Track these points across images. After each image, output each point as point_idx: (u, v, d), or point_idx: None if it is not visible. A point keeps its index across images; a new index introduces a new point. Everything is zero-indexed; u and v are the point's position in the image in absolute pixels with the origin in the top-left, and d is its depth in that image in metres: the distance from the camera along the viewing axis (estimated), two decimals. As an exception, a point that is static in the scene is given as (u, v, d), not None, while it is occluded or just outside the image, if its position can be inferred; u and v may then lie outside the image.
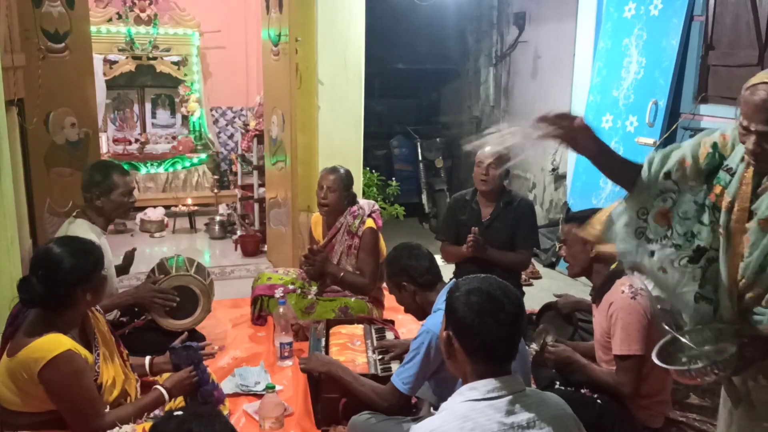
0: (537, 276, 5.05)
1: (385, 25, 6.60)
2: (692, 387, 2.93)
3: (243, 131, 6.26)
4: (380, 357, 2.94)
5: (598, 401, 2.44)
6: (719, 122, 4.06)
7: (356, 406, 2.52)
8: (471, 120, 7.44)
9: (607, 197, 4.83)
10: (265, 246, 5.39)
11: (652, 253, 1.85)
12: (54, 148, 4.06)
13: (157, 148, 6.78)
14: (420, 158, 6.80)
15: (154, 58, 6.68)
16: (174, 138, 6.94)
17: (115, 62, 6.54)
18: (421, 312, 2.57)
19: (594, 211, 2.76)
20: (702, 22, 4.23)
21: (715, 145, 1.81)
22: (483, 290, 1.55)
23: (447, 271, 3.16)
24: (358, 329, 3.23)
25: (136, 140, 6.80)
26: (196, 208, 6.27)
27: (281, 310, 3.36)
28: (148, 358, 2.58)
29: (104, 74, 6.41)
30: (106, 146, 6.45)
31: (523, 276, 4.50)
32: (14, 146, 3.46)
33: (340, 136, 4.60)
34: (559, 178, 5.74)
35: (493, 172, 3.53)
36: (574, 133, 1.80)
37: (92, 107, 4.38)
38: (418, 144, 6.81)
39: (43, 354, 2.00)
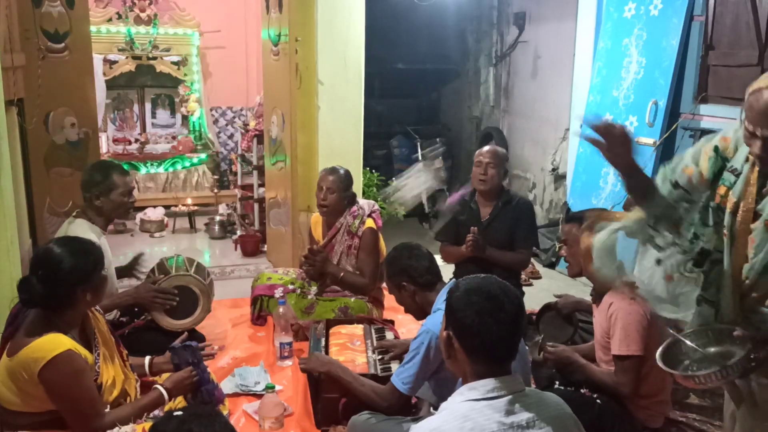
0: (537, 276, 5.05)
1: (385, 25, 6.60)
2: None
3: (243, 131, 6.25)
4: (380, 357, 2.94)
5: (598, 401, 2.44)
6: (719, 122, 4.06)
7: (356, 406, 2.52)
8: (471, 120, 7.45)
9: (607, 197, 4.84)
10: (265, 246, 5.39)
11: (659, 261, 1.84)
12: (54, 148, 4.06)
13: (157, 148, 6.78)
14: (420, 158, 6.80)
15: (154, 58, 6.68)
16: (174, 138, 6.94)
17: (115, 62, 6.54)
18: (420, 312, 2.58)
19: (594, 211, 2.77)
20: (702, 22, 4.24)
21: (716, 149, 1.80)
22: (483, 290, 1.55)
23: (447, 271, 3.16)
24: (358, 329, 3.23)
25: (136, 140, 6.80)
26: (196, 208, 6.27)
27: (281, 310, 3.35)
28: (147, 358, 2.58)
29: (104, 74, 6.41)
30: (106, 146, 6.45)
31: (523, 276, 4.50)
32: (14, 146, 3.46)
33: (340, 136, 4.59)
34: (559, 178, 5.74)
35: (491, 172, 3.55)
36: (619, 143, 1.77)
37: (92, 107, 4.38)
38: (418, 144, 6.81)
39: (43, 354, 2.00)
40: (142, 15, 6.53)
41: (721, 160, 1.79)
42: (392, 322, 3.41)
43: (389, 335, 3.22)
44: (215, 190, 6.55)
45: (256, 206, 5.70)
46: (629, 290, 2.00)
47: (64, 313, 2.12)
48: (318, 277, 3.59)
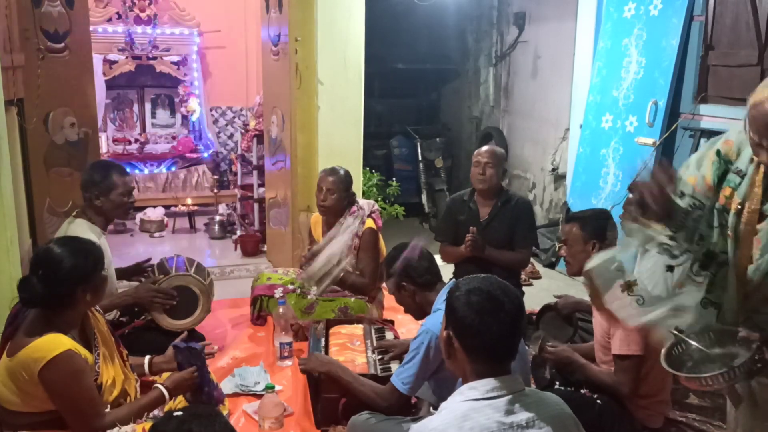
0: (537, 276, 5.05)
1: (385, 25, 6.60)
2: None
3: (243, 131, 6.26)
4: (380, 357, 2.94)
5: (598, 401, 2.44)
6: (719, 122, 4.06)
7: (356, 406, 2.52)
8: (471, 120, 7.45)
9: (606, 197, 4.84)
10: (265, 246, 5.39)
11: (670, 268, 1.83)
12: (53, 148, 4.06)
13: (156, 148, 6.78)
14: (420, 158, 6.81)
15: (154, 58, 6.67)
16: (174, 138, 6.94)
17: (114, 62, 6.53)
18: (420, 312, 2.58)
19: (593, 211, 2.77)
20: (702, 22, 4.23)
21: (718, 153, 1.80)
22: (483, 290, 1.55)
23: (446, 271, 3.16)
24: (358, 329, 3.23)
25: (136, 140, 6.80)
26: (195, 208, 6.27)
27: (281, 310, 3.36)
28: (147, 358, 2.57)
29: (104, 74, 6.41)
30: (105, 146, 6.45)
31: (523, 276, 4.50)
32: (14, 146, 3.46)
33: (340, 136, 4.59)
34: (559, 178, 5.74)
35: (489, 172, 3.56)
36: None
37: (92, 107, 4.38)
38: (418, 144, 6.82)
39: (43, 354, 1.99)
40: (142, 15, 6.53)
41: (724, 164, 1.79)
42: (392, 322, 3.41)
43: (389, 335, 3.22)
44: (215, 190, 6.55)
45: (256, 206, 5.71)
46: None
47: (64, 313, 2.12)
48: (318, 277, 3.59)
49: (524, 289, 3.91)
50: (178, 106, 6.99)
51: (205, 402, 2.38)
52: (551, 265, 5.31)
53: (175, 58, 6.75)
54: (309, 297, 3.65)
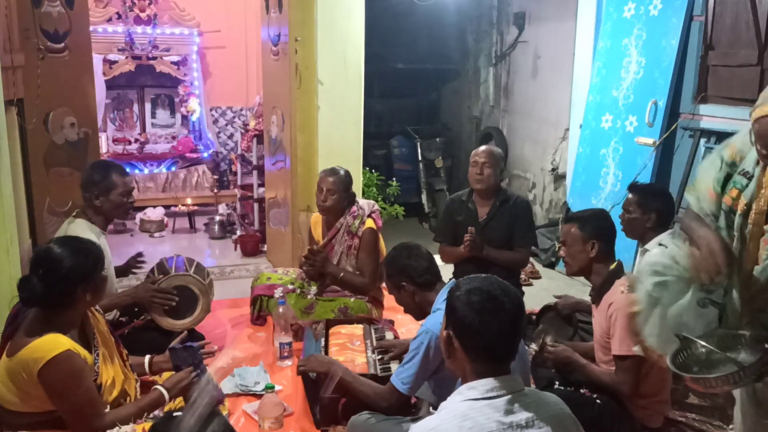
0: (536, 276, 5.05)
1: (385, 24, 6.60)
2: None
3: (243, 131, 6.26)
4: (380, 357, 2.94)
5: (598, 401, 2.44)
6: (719, 122, 4.07)
7: (356, 406, 2.52)
8: (471, 120, 7.45)
9: (606, 197, 4.84)
10: (265, 246, 5.39)
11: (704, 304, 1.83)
12: (53, 148, 4.06)
13: (156, 148, 6.79)
14: (420, 158, 6.81)
15: (154, 58, 6.67)
16: (174, 138, 6.94)
17: (114, 62, 6.54)
18: (420, 312, 2.58)
19: (592, 211, 2.77)
20: (702, 22, 4.23)
21: (721, 159, 1.81)
22: (483, 290, 1.55)
23: (446, 271, 3.16)
24: (358, 329, 3.23)
25: (136, 140, 6.80)
26: (195, 207, 6.27)
27: (281, 310, 3.36)
28: (147, 358, 2.57)
29: (104, 74, 6.41)
30: (105, 146, 6.45)
31: (523, 276, 4.50)
32: (14, 146, 3.46)
33: (339, 136, 4.59)
34: (559, 178, 5.74)
35: (487, 171, 3.55)
36: None
37: (92, 107, 4.39)
38: (418, 144, 6.81)
39: (43, 354, 2.00)
40: (142, 15, 6.53)
41: (727, 167, 1.80)
42: (392, 322, 3.41)
43: (389, 335, 3.22)
44: (215, 190, 6.55)
45: (255, 206, 5.71)
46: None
47: (64, 312, 2.12)
48: (318, 277, 3.59)
49: (524, 289, 3.91)
50: (178, 106, 6.99)
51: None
52: (551, 265, 5.31)
53: (175, 58, 6.76)
54: (309, 297, 3.65)
